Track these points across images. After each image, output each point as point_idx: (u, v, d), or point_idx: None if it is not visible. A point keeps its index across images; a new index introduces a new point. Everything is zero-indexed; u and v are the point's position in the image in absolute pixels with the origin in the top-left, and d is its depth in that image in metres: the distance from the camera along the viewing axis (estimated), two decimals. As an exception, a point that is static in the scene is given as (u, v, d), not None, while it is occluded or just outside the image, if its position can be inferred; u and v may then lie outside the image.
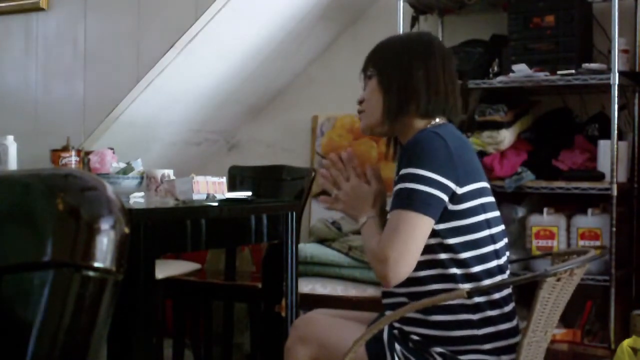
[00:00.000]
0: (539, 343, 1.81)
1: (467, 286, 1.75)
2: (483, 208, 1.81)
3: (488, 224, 1.82)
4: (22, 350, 0.89)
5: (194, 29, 3.36)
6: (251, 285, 3.15)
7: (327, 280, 3.41)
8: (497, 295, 1.80)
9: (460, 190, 1.76)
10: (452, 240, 1.77)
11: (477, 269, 1.78)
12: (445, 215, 1.76)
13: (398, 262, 1.70)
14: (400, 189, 1.75)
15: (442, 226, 1.76)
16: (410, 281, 1.78)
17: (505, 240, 1.88)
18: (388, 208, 1.85)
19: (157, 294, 2.95)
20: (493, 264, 1.81)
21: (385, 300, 1.90)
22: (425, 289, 1.79)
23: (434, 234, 1.76)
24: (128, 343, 1.99)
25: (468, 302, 1.76)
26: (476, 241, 1.79)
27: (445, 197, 1.74)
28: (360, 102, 1.97)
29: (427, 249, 1.76)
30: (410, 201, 1.72)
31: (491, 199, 1.86)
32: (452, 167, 1.75)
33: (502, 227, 1.87)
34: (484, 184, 1.84)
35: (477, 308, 1.78)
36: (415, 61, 1.88)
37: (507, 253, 1.89)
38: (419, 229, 1.72)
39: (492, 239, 1.82)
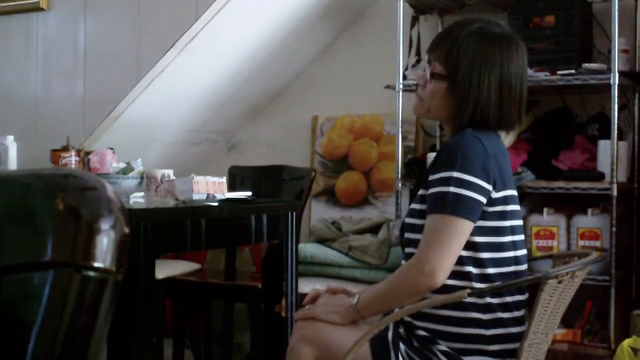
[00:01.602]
0: (540, 345, 1.81)
1: (480, 286, 1.76)
2: (511, 214, 1.82)
3: (512, 230, 1.83)
4: (22, 350, 0.89)
5: (194, 29, 3.36)
6: (251, 285, 3.15)
7: (327, 280, 3.41)
8: (509, 299, 1.81)
9: (494, 195, 1.77)
10: (476, 239, 1.77)
11: (493, 270, 1.78)
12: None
13: (438, 270, 1.70)
14: (444, 192, 1.73)
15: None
16: None
17: (525, 250, 1.89)
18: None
19: (157, 294, 2.95)
20: (511, 269, 1.82)
21: None
22: None
23: None
24: (128, 343, 1.99)
25: (480, 301, 1.76)
26: (499, 244, 1.80)
27: (485, 201, 1.75)
28: (422, 86, 1.90)
29: None
30: (455, 206, 1.71)
31: (517, 207, 1.87)
32: (491, 171, 1.75)
33: (523, 236, 1.88)
34: (514, 192, 1.85)
35: (488, 308, 1.78)
36: (493, 78, 1.81)
37: (526, 264, 1.89)
38: (460, 234, 1.72)
39: (514, 246, 1.83)
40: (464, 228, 1.72)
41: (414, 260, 1.75)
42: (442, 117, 1.91)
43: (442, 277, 1.71)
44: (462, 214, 1.71)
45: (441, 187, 1.74)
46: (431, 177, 1.78)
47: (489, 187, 1.75)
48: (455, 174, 1.72)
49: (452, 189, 1.72)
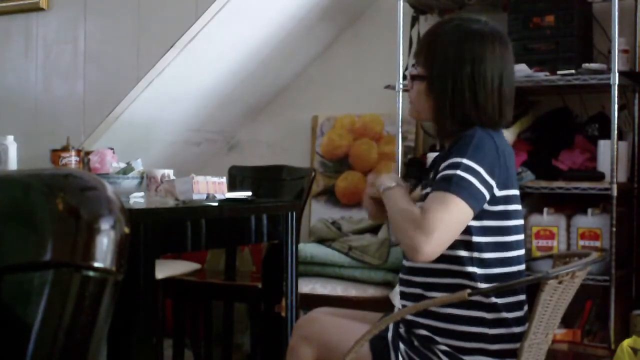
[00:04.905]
0: (540, 345, 1.81)
1: (484, 286, 1.76)
2: (514, 214, 1.83)
3: (515, 230, 1.84)
4: (22, 350, 0.89)
5: (194, 29, 3.36)
6: (251, 285, 3.15)
7: (327, 280, 3.41)
8: (512, 299, 1.81)
9: (498, 193, 1.76)
10: (480, 239, 1.77)
11: (497, 270, 1.79)
12: (480, 213, 1.75)
13: (440, 239, 1.66)
14: (451, 174, 1.71)
15: (474, 223, 1.76)
16: (427, 272, 1.80)
17: (524, 250, 1.89)
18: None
19: (157, 294, 2.95)
20: (514, 269, 1.83)
21: (402, 289, 1.90)
22: (441, 281, 1.80)
23: (464, 230, 1.76)
24: (128, 343, 1.99)
25: (485, 300, 1.77)
26: (502, 244, 1.80)
27: (488, 196, 1.74)
28: (410, 89, 1.93)
29: (453, 243, 1.76)
30: (459, 188, 1.69)
31: (519, 207, 1.87)
32: (498, 169, 1.75)
33: (523, 235, 1.89)
34: (517, 192, 1.85)
35: (492, 308, 1.78)
36: (465, 74, 1.81)
37: (524, 263, 1.90)
38: (459, 214, 1.69)
39: (516, 245, 1.84)
40: (463, 210, 1.69)
41: (418, 219, 1.69)
42: (429, 118, 1.92)
43: (437, 246, 1.65)
44: (463, 197, 1.69)
45: (449, 170, 1.73)
46: (442, 166, 1.77)
47: (493, 183, 1.74)
48: (465, 161, 1.72)
49: (459, 172, 1.71)
